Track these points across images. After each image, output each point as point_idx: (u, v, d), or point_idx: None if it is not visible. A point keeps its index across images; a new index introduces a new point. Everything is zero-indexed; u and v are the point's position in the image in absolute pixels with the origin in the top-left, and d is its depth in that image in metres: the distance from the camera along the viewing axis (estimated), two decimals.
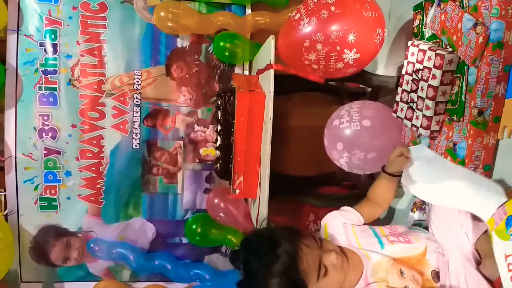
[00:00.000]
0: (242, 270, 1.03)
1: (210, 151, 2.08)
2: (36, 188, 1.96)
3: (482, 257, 1.08)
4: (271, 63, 1.51)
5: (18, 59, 1.90)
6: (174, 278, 2.04)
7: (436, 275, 1.10)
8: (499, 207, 0.90)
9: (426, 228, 1.27)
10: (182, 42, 2.05)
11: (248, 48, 1.98)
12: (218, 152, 1.77)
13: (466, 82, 1.13)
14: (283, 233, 1.04)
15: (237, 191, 1.66)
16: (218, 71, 2.09)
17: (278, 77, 1.50)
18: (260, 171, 1.60)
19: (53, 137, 1.96)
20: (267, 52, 1.57)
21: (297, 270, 0.96)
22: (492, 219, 0.90)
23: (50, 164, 1.97)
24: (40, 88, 1.94)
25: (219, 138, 1.75)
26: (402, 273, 1.07)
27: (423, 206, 1.40)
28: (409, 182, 1.14)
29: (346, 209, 1.29)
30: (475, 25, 1.05)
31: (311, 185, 1.88)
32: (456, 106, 1.17)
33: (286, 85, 1.69)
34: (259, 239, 1.06)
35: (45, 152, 1.96)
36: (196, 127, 2.09)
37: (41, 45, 1.93)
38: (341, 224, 1.22)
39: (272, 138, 1.48)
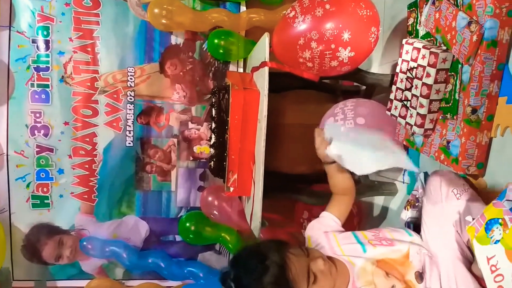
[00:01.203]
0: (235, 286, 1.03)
1: (204, 149, 2.07)
2: (28, 186, 1.95)
3: (474, 256, 1.08)
4: (266, 60, 1.50)
5: (10, 56, 1.89)
6: (168, 276, 2.03)
7: (420, 276, 1.11)
8: (478, 216, 0.92)
9: (419, 226, 1.27)
10: (176, 39, 2.04)
11: (242, 46, 1.97)
12: (212, 150, 1.76)
13: (460, 80, 1.13)
14: (270, 245, 1.06)
15: (231, 189, 1.65)
16: (213, 69, 2.08)
17: (272, 75, 1.50)
18: (254, 169, 1.59)
19: (46, 135, 1.94)
20: (262, 49, 1.56)
21: (287, 279, 0.98)
22: (472, 227, 0.92)
23: (42, 161, 1.95)
24: (32, 85, 1.92)
25: (213, 136, 1.74)
26: (387, 274, 1.08)
27: (416, 204, 1.40)
28: (341, 161, 1.22)
29: (323, 215, 1.31)
30: (469, 23, 1.06)
31: (305, 183, 1.88)
32: (450, 104, 1.17)
33: (280, 83, 1.69)
34: (247, 254, 1.07)
35: (37, 149, 1.94)
36: (190, 125, 2.08)
37: (33, 41, 1.91)
38: (322, 233, 1.23)
39: (266, 136, 1.48)
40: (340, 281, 1.08)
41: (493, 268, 0.86)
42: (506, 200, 0.87)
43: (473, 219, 0.96)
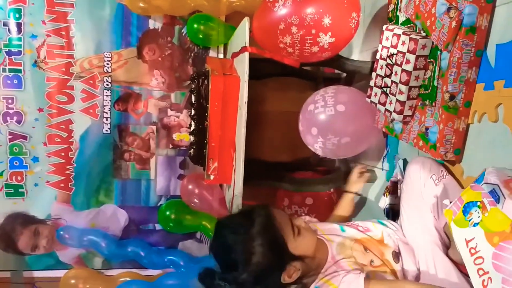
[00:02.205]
0: (220, 251, 1.04)
1: (184, 136, 2.05)
2: (1, 174, 1.90)
3: (451, 241, 1.10)
4: (246, 45, 1.48)
5: None
6: (148, 265, 2.02)
7: (396, 255, 1.14)
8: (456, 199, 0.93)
9: (398, 212, 1.28)
10: (154, 24, 1.99)
11: (222, 31, 1.94)
12: (192, 137, 1.73)
13: (439, 67, 1.13)
14: (254, 205, 1.08)
15: (212, 176, 1.64)
16: (192, 54, 2.04)
17: (253, 61, 1.48)
18: (235, 156, 1.58)
19: (19, 121, 1.89)
20: (242, 34, 1.53)
21: (274, 225, 1.00)
22: (450, 210, 0.93)
23: (15, 149, 1.89)
24: (4, 70, 1.86)
25: (193, 123, 1.71)
26: (366, 249, 1.12)
27: (395, 191, 1.41)
28: None
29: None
30: (449, 9, 1.05)
31: (286, 170, 1.88)
32: (429, 91, 1.18)
33: (261, 69, 1.67)
34: (232, 216, 1.12)
35: (10, 137, 1.89)
36: (170, 112, 2.05)
37: (5, 24, 1.84)
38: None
39: (247, 123, 1.46)
40: (319, 255, 1.09)
41: (473, 251, 0.86)
42: (485, 183, 0.88)
43: (450, 202, 0.97)
